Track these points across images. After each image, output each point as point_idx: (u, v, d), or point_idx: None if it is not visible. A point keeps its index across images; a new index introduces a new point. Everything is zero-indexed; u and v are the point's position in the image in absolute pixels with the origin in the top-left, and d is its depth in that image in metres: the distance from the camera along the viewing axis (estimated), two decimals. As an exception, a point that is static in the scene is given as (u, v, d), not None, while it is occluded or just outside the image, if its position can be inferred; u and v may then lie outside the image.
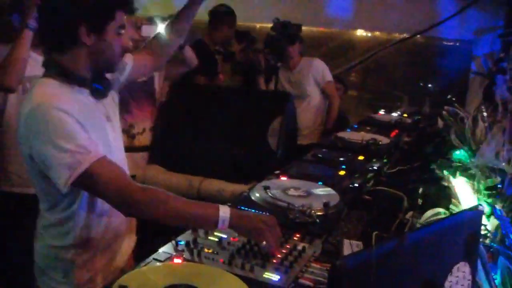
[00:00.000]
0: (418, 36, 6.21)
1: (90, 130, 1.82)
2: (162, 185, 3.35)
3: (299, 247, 1.82)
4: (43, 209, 1.97)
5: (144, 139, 3.72)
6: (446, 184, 2.63)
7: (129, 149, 3.55)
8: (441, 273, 1.11)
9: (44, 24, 1.91)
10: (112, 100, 2.10)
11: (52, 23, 1.87)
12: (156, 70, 3.25)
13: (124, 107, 3.56)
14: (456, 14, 5.38)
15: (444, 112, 3.58)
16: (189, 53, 3.70)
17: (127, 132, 3.65)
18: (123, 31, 1.91)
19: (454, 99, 3.86)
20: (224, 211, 1.75)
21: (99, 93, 1.95)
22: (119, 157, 2.06)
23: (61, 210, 1.91)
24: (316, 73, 4.86)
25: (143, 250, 1.90)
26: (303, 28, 5.21)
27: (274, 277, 1.61)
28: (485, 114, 3.08)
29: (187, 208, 1.79)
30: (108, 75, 2.03)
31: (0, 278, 3.04)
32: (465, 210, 1.32)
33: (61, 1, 1.84)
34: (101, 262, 2.02)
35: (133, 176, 3.58)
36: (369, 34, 6.83)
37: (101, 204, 1.93)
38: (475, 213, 1.23)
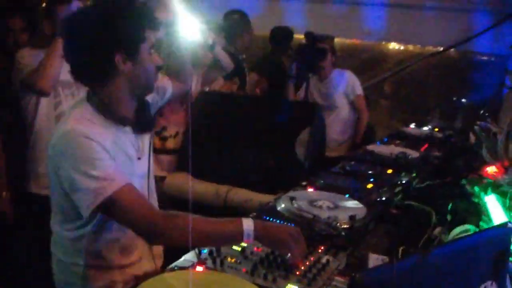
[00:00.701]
0: (452, 50, 6.14)
1: (119, 163, 1.85)
2: (188, 192, 3.35)
3: (323, 260, 1.80)
4: (55, 223, 1.98)
5: (177, 142, 3.76)
6: (476, 200, 2.58)
7: (160, 151, 3.62)
8: (467, 292, 1.09)
9: (76, 59, 1.89)
10: (149, 135, 2.11)
11: (84, 57, 1.85)
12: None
13: (158, 110, 3.61)
14: (491, 28, 5.31)
15: (476, 127, 3.53)
16: (222, 56, 3.73)
17: (159, 134, 3.69)
18: (153, 50, 1.92)
19: (487, 114, 3.79)
20: (248, 225, 1.74)
21: (139, 129, 1.98)
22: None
23: (74, 228, 1.91)
24: (346, 85, 4.83)
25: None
26: (336, 40, 5.21)
27: (297, 289, 1.59)
28: (518, 130, 3.02)
29: (211, 229, 1.79)
30: (149, 98, 2.05)
31: (23, 281, 3.07)
32: (494, 227, 1.28)
33: (91, 34, 1.82)
34: (118, 277, 2.00)
35: (163, 178, 3.64)
36: (402, 47, 6.78)
37: (116, 228, 1.93)
38: (504, 230, 1.19)
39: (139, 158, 2.01)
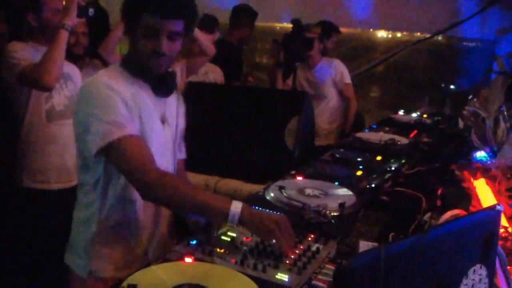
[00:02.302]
0: (440, 36, 6.13)
1: (136, 119, 1.95)
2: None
3: (313, 248, 1.79)
4: (79, 171, 2.09)
5: None
6: (466, 185, 2.58)
7: None
8: (456, 276, 1.07)
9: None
10: (176, 104, 2.17)
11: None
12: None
13: None
14: (478, 13, 5.31)
15: (465, 113, 3.53)
16: (203, 40, 3.71)
17: None
18: (158, 35, 1.92)
19: (475, 100, 3.79)
20: (236, 206, 1.75)
21: (159, 90, 2.05)
22: (168, 160, 2.13)
23: (90, 177, 2.02)
24: (335, 74, 4.82)
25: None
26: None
27: (287, 278, 1.57)
28: (506, 114, 3.02)
29: (199, 196, 1.82)
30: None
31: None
32: (482, 210, 1.27)
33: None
34: (120, 247, 2.06)
35: None
36: (390, 35, 6.77)
37: (129, 191, 1.99)
38: (492, 213, 1.17)
39: (163, 121, 2.07)
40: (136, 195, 1.97)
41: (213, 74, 4.29)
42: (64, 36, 2.92)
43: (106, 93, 1.90)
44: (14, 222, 3.14)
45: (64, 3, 3.03)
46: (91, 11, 3.10)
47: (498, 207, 1.18)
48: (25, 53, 2.99)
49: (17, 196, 3.14)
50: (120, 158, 1.87)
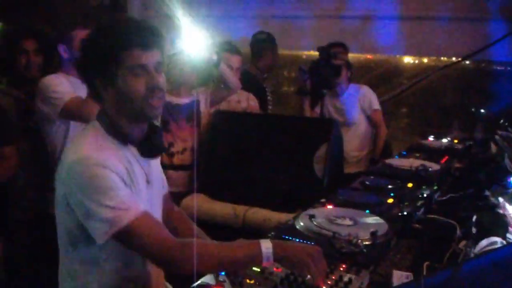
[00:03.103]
0: (468, 60, 6.06)
1: (132, 188, 1.83)
2: (207, 214, 3.32)
3: (346, 279, 1.75)
4: (61, 246, 1.92)
5: (184, 158, 3.78)
6: (501, 211, 2.51)
7: (168, 167, 3.64)
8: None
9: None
10: (157, 161, 2.09)
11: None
12: None
13: (164, 126, 3.65)
14: (506, 36, 5.23)
15: (497, 137, 3.46)
16: (227, 73, 3.72)
17: (166, 150, 3.71)
18: (146, 70, 1.80)
19: (507, 123, 3.72)
20: (267, 247, 1.70)
21: (147, 153, 1.93)
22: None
23: (83, 254, 1.87)
24: (363, 100, 4.77)
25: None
26: (350, 55, 5.16)
27: (319, 310, 1.53)
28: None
29: (228, 254, 1.74)
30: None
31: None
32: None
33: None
34: None
35: (172, 193, 3.63)
36: (417, 60, 6.72)
37: (129, 255, 1.88)
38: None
39: (147, 182, 1.96)
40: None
41: (246, 102, 4.27)
42: None
43: (102, 173, 1.73)
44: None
45: None
46: None
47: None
48: (66, 87, 3.02)
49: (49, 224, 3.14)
50: (135, 243, 1.76)
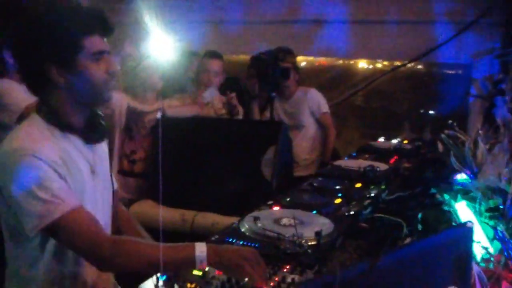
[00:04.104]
0: (418, 62, 6.14)
1: (69, 180, 1.77)
2: (154, 220, 3.24)
3: (289, 279, 1.71)
4: (6, 241, 1.87)
5: (146, 166, 3.78)
6: (447, 208, 2.52)
7: (129, 173, 3.59)
8: (426, 299, 1.00)
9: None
10: (103, 149, 2.02)
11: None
12: None
13: (128, 133, 3.60)
14: (452, 38, 5.32)
15: (443, 136, 3.50)
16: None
17: (128, 157, 3.75)
18: (104, 56, 1.82)
19: (454, 123, 3.77)
20: (201, 251, 1.66)
21: (90, 139, 1.89)
22: (102, 211, 1.97)
23: (27, 251, 1.82)
24: (312, 103, 4.78)
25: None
26: (299, 58, 5.17)
27: (260, 312, 1.49)
28: (484, 136, 2.99)
29: (162, 255, 1.66)
30: None
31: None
32: (452, 227, 1.20)
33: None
34: None
35: (131, 200, 3.57)
36: (369, 64, 6.78)
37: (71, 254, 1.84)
38: (464, 230, 1.10)
39: (93, 172, 1.92)
40: None
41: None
42: None
43: (34, 164, 1.69)
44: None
45: None
46: None
47: (469, 224, 1.12)
48: (20, 93, 2.91)
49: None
50: (65, 237, 1.72)
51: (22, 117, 2.83)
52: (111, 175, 2.08)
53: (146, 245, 1.77)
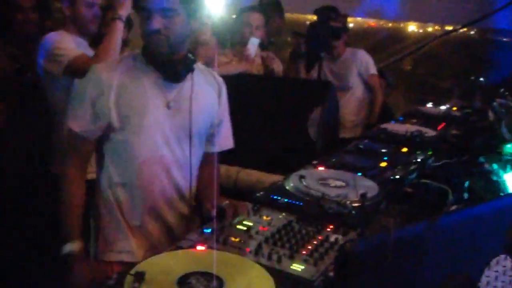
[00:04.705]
0: (471, 28, 5.97)
1: (113, 108, 1.99)
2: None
3: (332, 239, 1.72)
4: None
5: None
6: (495, 178, 2.48)
7: None
8: (476, 266, 0.98)
9: None
10: (189, 91, 2.10)
11: None
12: None
13: None
14: (509, 4, 5.14)
15: (495, 104, 3.42)
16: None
17: None
18: (150, 13, 1.94)
19: (506, 92, 3.67)
20: (70, 247, 2.03)
21: (166, 77, 2.05)
22: (180, 148, 2.11)
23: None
24: (360, 65, 4.71)
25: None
26: (350, 19, 5.08)
27: (302, 268, 1.51)
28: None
29: (64, 210, 2.07)
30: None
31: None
32: (505, 196, 1.18)
33: None
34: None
35: None
36: (419, 27, 6.63)
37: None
38: (518, 200, 1.08)
39: (168, 107, 2.06)
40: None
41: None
42: (120, 27, 2.89)
43: (91, 79, 2.03)
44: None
45: None
46: None
47: (524, 193, 1.09)
48: (70, 44, 2.97)
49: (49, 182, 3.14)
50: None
51: (69, 68, 2.90)
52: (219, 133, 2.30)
53: (73, 195, 2.09)
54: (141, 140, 2.02)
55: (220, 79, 2.29)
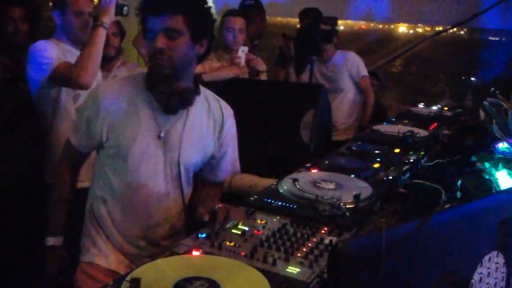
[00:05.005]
0: (460, 28, 6.00)
1: (109, 131, 2.03)
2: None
3: (326, 241, 1.73)
4: None
5: None
6: (487, 177, 2.50)
7: None
8: (468, 263, 0.99)
9: None
10: (182, 124, 2.11)
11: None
12: None
13: None
14: (498, 3, 5.17)
15: (486, 103, 3.44)
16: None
17: None
18: (155, 34, 1.96)
19: (497, 91, 3.69)
20: (51, 241, 2.21)
21: (164, 106, 2.05)
22: (165, 181, 2.11)
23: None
24: (350, 67, 4.73)
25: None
26: (341, 21, 5.09)
27: (297, 271, 1.52)
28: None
29: (53, 208, 2.23)
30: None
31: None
32: (499, 192, 1.19)
33: None
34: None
35: None
36: (410, 28, 6.66)
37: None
38: (509, 196, 1.09)
39: (159, 138, 2.06)
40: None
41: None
42: (102, 34, 2.89)
43: (91, 97, 2.09)
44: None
45: (96, 1, 3.01)
46: (125, 9, 3.07)
47: (515, 190, 1.11)
48: (55, 52, 2.96)
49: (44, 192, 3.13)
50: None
51: (52, 76, 2.90)
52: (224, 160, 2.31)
53: (63, 199, 2.22)
54: (126, 166, 2.04)
55: (229, 111, 2.28)
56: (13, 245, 3.19)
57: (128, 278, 1.37)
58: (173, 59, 1.96)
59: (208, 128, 2.18)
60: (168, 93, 2.02)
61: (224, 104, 2.27)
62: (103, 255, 2.12)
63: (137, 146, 2.02)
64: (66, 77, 2.88)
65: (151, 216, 2.11)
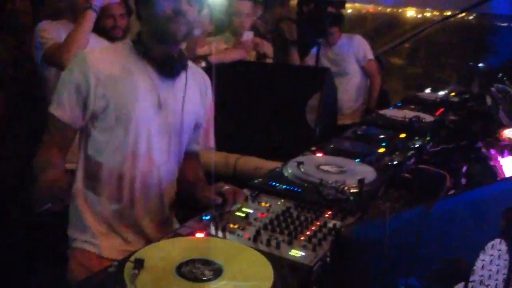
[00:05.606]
0: (469, 13, 5.95)
1: (101, 99, 1.92)
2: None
3: (330, 225, 1.73)
4: None
5: None
6: (492, 163, 2.49)
7: None
8: (471, 250, 0.99)
9: None
10: (182, 88, 2.06)
11: None
12: None
13: None
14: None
15: (493, 89, 3.42)
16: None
17: None
18: None
19: (505, 77, 3.66)
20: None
21: (163, 71, 2.00)
22: (166, 148, 2.07)
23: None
24: (356, 50, 4.70)
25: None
26: (348, 5, 5.05)
27: (301, 254, 1.52)
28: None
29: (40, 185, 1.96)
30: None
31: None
32: (502, 180, 1.19)
33: None
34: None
35: None
36: (418, 13, 6.61)
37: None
38: (514, 184, 1.09)
39: (159, 106, 2.00)
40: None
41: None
42: (90, 16, 2.85)
43: (77, 65, 1.94)
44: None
45: None
46: None
47: (521, 177, 1.10)
48: (54, 32, 2.94)
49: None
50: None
51: (44, 56, 2.89)
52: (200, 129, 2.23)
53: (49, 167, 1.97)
54: (126, 134, 1.96)
55: (208, 79, 2.25)
56: (13, 245, 3.19)
57: (131, 258, 1.38)
58: (191, 24, 1.94)
59: (197, 94, 2.16)
60: (168, 56, 1.99)
61: (202, 71, 2.26)
62: (93, 241, 2.04)
63: (138, 115, 1.95)
64: (52, 58, 2.86)
65: (147, 187, 2.05)
